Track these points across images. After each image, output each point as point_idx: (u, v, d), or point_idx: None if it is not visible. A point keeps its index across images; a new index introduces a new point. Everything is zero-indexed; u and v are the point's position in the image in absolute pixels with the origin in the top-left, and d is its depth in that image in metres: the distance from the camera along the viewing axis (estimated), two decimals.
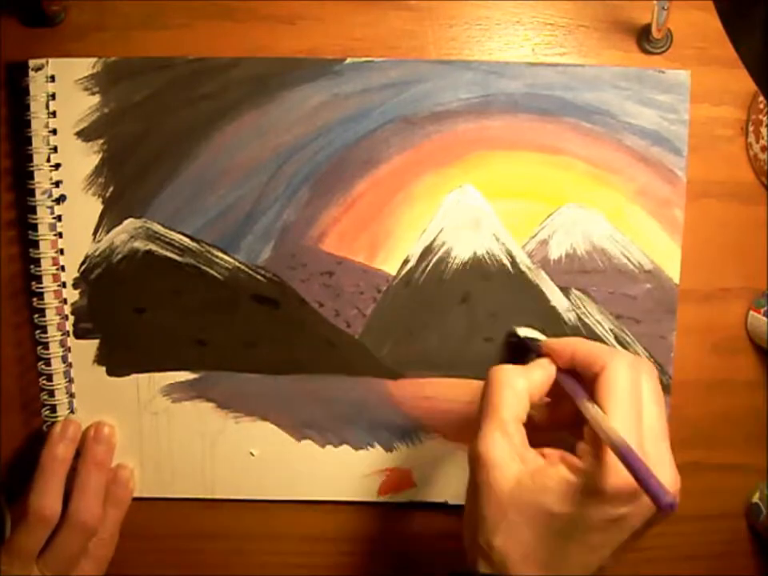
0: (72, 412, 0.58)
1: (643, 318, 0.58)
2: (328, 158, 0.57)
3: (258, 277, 0.58)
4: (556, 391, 0.49)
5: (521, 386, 0.48)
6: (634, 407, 0.44)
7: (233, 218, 0.57)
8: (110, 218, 0.57)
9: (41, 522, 0.54)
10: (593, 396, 0.45)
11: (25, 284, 0.58)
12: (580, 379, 0.48)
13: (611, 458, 0.42)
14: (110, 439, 0.58)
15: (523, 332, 0.57)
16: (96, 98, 0.56)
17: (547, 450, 0.47)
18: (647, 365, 0.47)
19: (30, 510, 0.54)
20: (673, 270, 0.58)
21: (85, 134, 0.57)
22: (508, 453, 0.45)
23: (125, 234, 0.57)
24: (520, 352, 0.57)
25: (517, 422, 0.47)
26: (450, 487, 0.60)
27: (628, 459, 0.40)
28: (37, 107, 0.56)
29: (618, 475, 0.42)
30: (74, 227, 0.57)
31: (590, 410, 0.44)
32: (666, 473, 0.43)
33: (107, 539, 0.57)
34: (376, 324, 0.58)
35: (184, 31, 0.58)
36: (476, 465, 0.46)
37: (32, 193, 0.56)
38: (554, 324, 0.58)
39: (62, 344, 0.58)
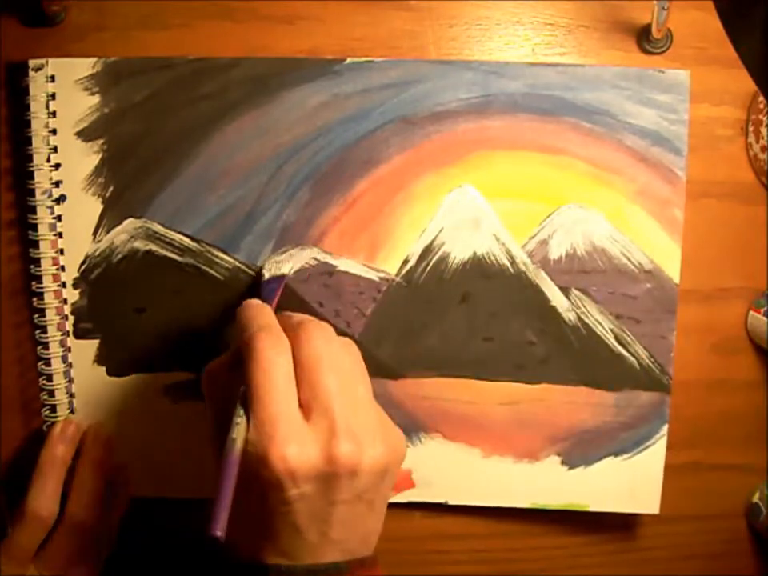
0: (72, 412, 0.58)
1: (643, 318, 0.58)
2: (328, 158, 0.57)
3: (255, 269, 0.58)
4: None
5: (223, 378, 0.46)
6: (288, 394, 0.42)
7: (233, 218, 0.57)
8: (110, 218, 0.57)
9: (38, 522, 0.54)
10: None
11: (25, 284, 0.58)
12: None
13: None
14: (110, 440, 0.58)
15: (269, 271, 0.55)
16: (96, 98, 0.56)
17: None
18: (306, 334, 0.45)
19: (27, 509, 0.54)
20: (673, 269, 0.58)
21: (85, 134, 0.57)
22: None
23: (125, 234, 0.57)
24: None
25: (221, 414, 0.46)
26: (449, 487, 0.60)
27: (222, 473, 0.40)
28: (37, 107, 0.56)
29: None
30: (74, 227, 0.57)
31: (236, 408, 0.43)
32: (377, 441, 0.43)
33: (105, 539, 0.57)
34: (376, 324, 0.58)
35: (184, 31, 0.58)
36: None
37: (32, 193, 0.56)
38: (554, 324, 0.58)
39: (62, 344, 0.58)
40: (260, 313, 0.48)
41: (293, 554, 0.42)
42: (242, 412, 0.42)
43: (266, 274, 0.56)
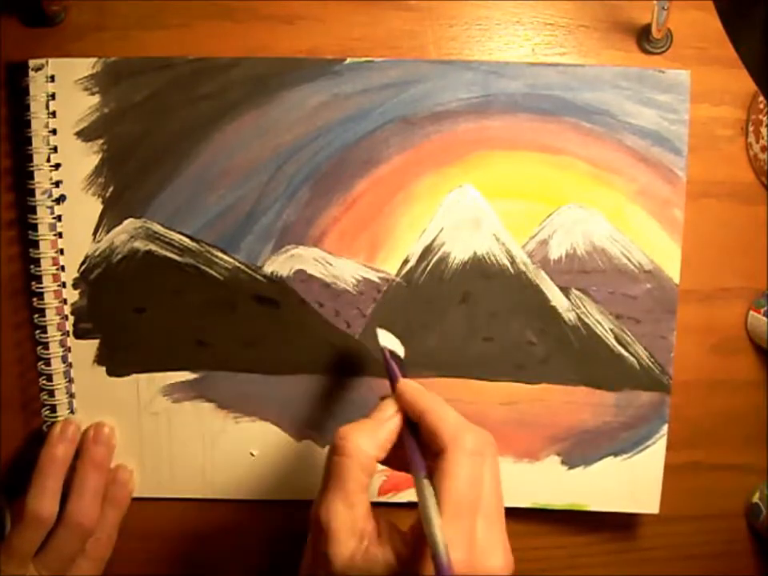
0: (72, 412, 0.58)
1: (643, 318, 0.58)
2: (328, 158, 0.57)
3: (258, 277, 0.58)
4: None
5: (366, 455, 0.45)
6: (470, 498, 0.42)
7: (233, 218, 0.57)
8: (109, 218, 0.57)
9: (37, 522, 0.54)
10: (432, 472, 0.43)
11: (25, 284, 0.58)
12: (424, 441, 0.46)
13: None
14: (110, 440, 0.58)
15: (384, 339, 0.53)
16: (96, 98, 0.56)
17: (383, 523, 0.45)
18: (491, 447, 0.45)
19: (27, 510, 0.54)
20: (673, 269, 0.58)
21: (85, 134, 0.57)
22: (349, 526, 0.43)
23: (125, 234, 0.57)
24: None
25: (362, 492, 0.44)
26: None
27: (439, 569, 0.39)
28: (37, 107, 0.56)
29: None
30: (74, 227, 0.57)
31: (424, 492, 0.42)
32: (496, 558, 0.42)
33: (105, 539, 0.57)
34: (376, 324, 0.58)
35: (184, 31, 0.58)
36: (317, 531, 0.44)
37: (32, 193, 0.56)
38: (554, 324, 0.58)
39: (62, 344, 0.58)
40: (445, 405, 0.47)
41: None
42: (435, 514, 0.41)
43: (385, 343, 0.53)
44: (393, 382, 0.49)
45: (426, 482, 0.43)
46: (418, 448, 0.45)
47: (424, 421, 0.45)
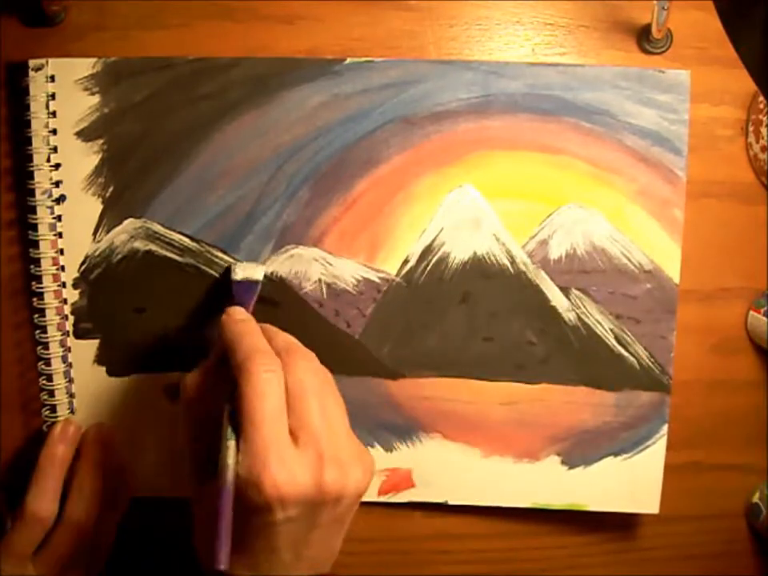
0: (72, 412, 0.58)
1: (643, 318, 0.58)
2: (328, 158, 0.57)
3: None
4: None
5: (198, 390, 0.48)
6: (266, 415, 0.43)
7: (233, 218, 0.57)
8: (109, 218, 0.57)
9: (36, 522, 0.54)
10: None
11: (25, 284, 0.58)
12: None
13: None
14: (110, 440, 0.58)
15: (241, 273, 0.55)
16: (96, 98, 0.56)
17: None
18: (291, 360, 0.46)
19: (26, 510, 0.54)
20: (673, 270, 0.58)
21: (85, 134, 0.57)
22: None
23: (125, 234, 0.57)
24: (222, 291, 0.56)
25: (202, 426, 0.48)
26: (450, 487, 0.60)
27: (221, 502, 0.41)
28: (37, 107, 0.56)
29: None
30: (73, 227, 0.57)
31: (223, 414, 0.45)
32: (358, 467, 0.45)
33: (104, 539, 0.57)
34: (376, 324, 0.58)
35: (184, 31, 0.58)
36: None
37: (32, 193, 0.56)
38: (554, 324, 0.58)
39: (62, 344, 0.58)
40: (250, 330, 0.48)
41: (265, 571, 0.44)
42: (232, 435, 0.43)
43: (239, 274, 0.55)
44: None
45: (225, 408, 0.45)
46: (228, 378, 0.46)
47: (227, 352, 0.47)
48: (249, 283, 0.55)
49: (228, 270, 0.56)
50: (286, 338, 0.50)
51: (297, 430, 0.44)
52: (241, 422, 0.43)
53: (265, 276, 0.57)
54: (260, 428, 0.43)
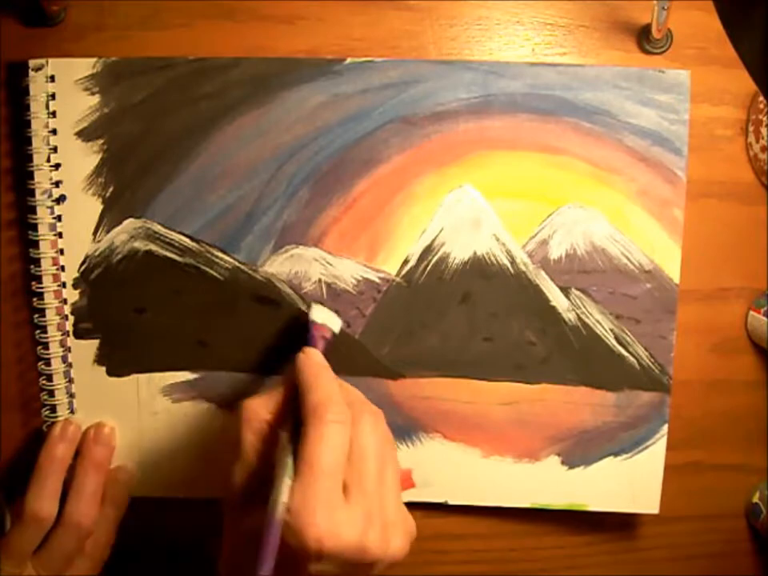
0: (72, 412, 0.58)
1: (643, 318, 0.58)
2: (328, 158, 0.57)
3: (258, 277, 0.58)
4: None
5: (257, 418, 0.48)
6: (329, 465, 0.43)
7: (233, 218, 0.57)
8: (109, 218, 0.57)
9: (36, 522, 0.54)
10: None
11: (25, 284, 0.58)
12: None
13: None
14: (110, 440, 0.58)
15: (317, 314, 0.54)
16: (96, 98, 0.56)
17: None
18: (361, 418, 0.47)
19: (26, 509, 0.54)
20: (673, 270, 0.58)
21: (85, 134, 0.57)
22: (244, 485, 0.47)
23: (125, 234, 0.57)
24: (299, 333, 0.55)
25: (258, 454, 0.47)
26: (449, 487, 0.60)
27: (268, 532, 0.41)
28: (37, 107, 0.56)
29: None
30: (73, 227, 0.57)
31: (281, 451, 0.45)
32: (401, 534, 0.45)
33: (104, 539, 0.57)
34: (376, 324, 0.58)
35: (184, 31, 0.58)
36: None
37: (32, 193, 0.56)
38: (554, 324, 0.58)
39: (62, 344, 0.58)
40: (326, 377, 0.49)
41: None
42: (291, 472, 0.43)
43: (318, 319, 0.54)
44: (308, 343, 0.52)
45: (288, 445, 0.45)
46: (295, 415, 0.46)
47: (300, 390, 0.47)
48: (325, 330, 0.54)
49: (303, 312, 0.57)
50: (358, 394, 0.50)
51: (351, 486, 0.44)
52: (299, 464, 0.43)
53: (264, 276, 0.57)
54: (317, 476, 0.43)
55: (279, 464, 0.44)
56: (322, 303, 0.57)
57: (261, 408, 0.48)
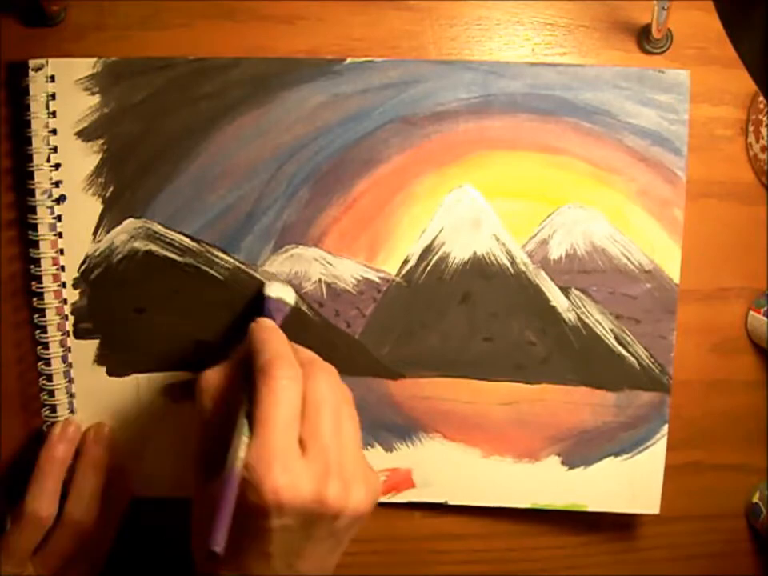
0: (72, 412, 0.58)
1: (643, 318, 0.58)
2: (328, 158, 0.57)
3: (258, 277, 0.58)
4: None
5: (217, 388, 0.49)
6: (281, 420, 0.44)
7: (233, 218, 0.57)
8: (109, 218, 0.57)
9: (36, 522, 0.54)
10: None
11: (25, 284, 0.58)
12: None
13: None
14: (110, 440, 0.58)
15: (273, 291, 0.55)
16: (96, 98, 0.56)
17: None
18: (309, 372, 0.47)
19: (26, 510, 0.54)
20: (673, 270, 0.58)
21: (85, 134, 0.57)
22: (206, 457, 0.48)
23: (125, 234, 0.57)
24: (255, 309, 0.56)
25: (210, 415, 0.48)
26: (449, 487, 0.60)
27: (225, 489, 0.42)
28: (37, 107, 0.56)
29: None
30: (73, 227, 0.57)
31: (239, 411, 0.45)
32: (362, 486, 0.45)
33: (103, 539, 0.57)
34: (376, 324, 0.58)
35: (184, 31, 0.58)
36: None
37: (32, 193, 0.56)
38: (553, 324, 0.58)
39: (62, 344, 0.58)
40: (276, 339, 0.49)
41: None
42: (248, 431, 0.44)
43: (272, 293, 0.55)
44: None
45: (243, 405, 0.45)
46: (249, 379, 0.46)
47: (251, 354, 0.47)
48: (280, 303, 0.55)
49: (259, 290, 0.56)
50: (309, 353, 0.50)
51: (307, 440, 0.44)
52: (253, 422, 0.44)
53: (265, 276, 0.57)
54: (270, 432, 0.43)
55: (236, 425, 0.44)
56: (278, 280, 0.57)
57: (216, 376, 0.49)
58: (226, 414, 0.47)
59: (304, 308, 0.58)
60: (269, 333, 0.49)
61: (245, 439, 0.43)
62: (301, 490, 0.42)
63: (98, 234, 0.57)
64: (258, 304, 0.55)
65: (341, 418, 0.46)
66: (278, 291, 0.55)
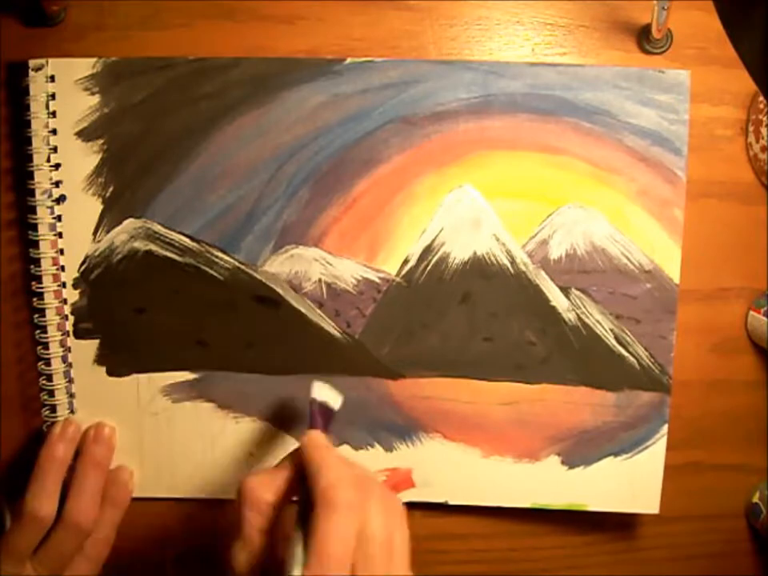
0: (72, 412, 0.58)
1: (643, 318, 0.58)
2: (328, 158, 0.57)
3: (258, 277, 0.58)
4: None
5: (259, 500, 0.47)
6: (338, 555, 0.43)
7: (233, 218, 0.57)
8: (109, 218, 0.57)
9: (35, 522, 0.54)
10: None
11: (25, 284, 0.58)
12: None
13: None
14: (110, 440, 0.58)
15: (318, 392, 0.54)
16: (96, 98, 0.56)
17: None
18: (369, 496, 0.46)
19: (25, 509, 0.54)
20: (673, 270, 0.58)
21: (85, 134, 0.57)
22: (246, 567, 0.46)
23: (125, 234, 0.57)
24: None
25: (258, 533, 0.47)
26: (449, 487, 0.60)
27: None
28: (37, 107, 0.56)
29: None
30: (73, 227, 0.57)
31: (292, 541, 0.44)
32: None
33: (103, 539, 0.57)
34: (376, 324, 0.58)
35: (184, 31, 0.58)
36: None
37: (32, 193, 0.56)
38: (553, 324, 0.58)
39: (62, 344, 0.58)
40: (333, 459, 0.48)
41: None
42: (302, 559, 0.43)
43: (318, 397, 0.54)
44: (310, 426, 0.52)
45: (297, 532, 0.45)
46: (304, 499, 0.46)
47: (307, 473, 0.47)
48: (326, 408, 0.54)
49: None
50: (363, 470, 0.49)
51: (358, 570, 0.43)
52: (310, 554, 0.43)
53: (265, 276, 0.57)
54: (327, 567, 0.42)
55: (289, 552, 0.44)
56: (323, 381, 0.55)
57: (262, 488, 0.48)
58: (271, 529, 0.47)
59: (303, 308, 0.58)
60: (324, 452, 0.49)
61: (297, 571, 0.42)
62: None
63: (98, 234, 0.57)
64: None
65: (392, 540, 0.45)
66: (325, 395, 0.54)
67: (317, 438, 0.50)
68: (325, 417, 0.53)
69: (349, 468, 0.48)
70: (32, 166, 0.56)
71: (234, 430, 0.59)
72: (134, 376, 0.58)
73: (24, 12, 0.57)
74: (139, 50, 0.57)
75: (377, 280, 0.58)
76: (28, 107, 0.56)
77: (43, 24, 0.57)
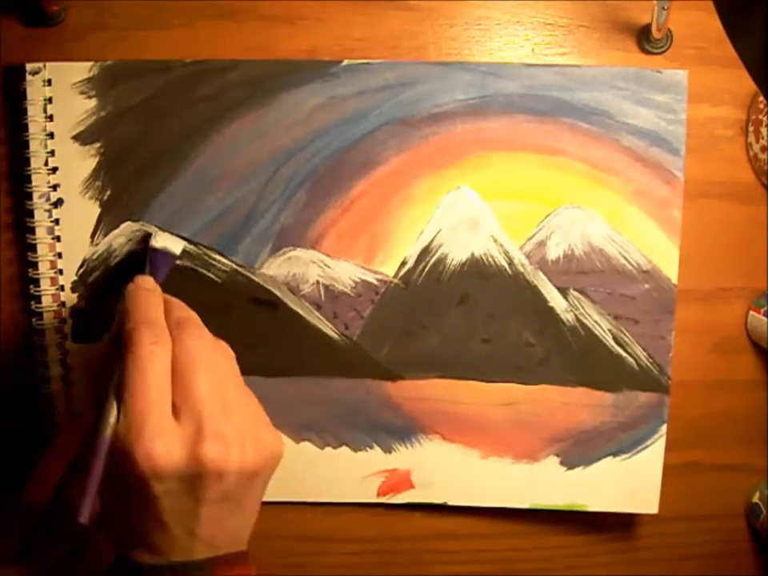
0: (70, 415, 0.58)
1: (642, 319, 0.58)
2: (325, 160, 0.57)
3: (256, 279, 0.58)
4: None
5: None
6: (143, 388, 0.43)
7: (230, 221, 0.57)
8: (107, 221, 0.57)
9: (28, 507, 0.54)
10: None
11: (23, 287, 0.58)
12: None
13: None
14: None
15: (160, 241, 0.54)
16: (93, 102, 0.56)
17: None
18: (171, 335, 0.45)
19: (22, 495, 0.53)
20: (671, 270, 0.58)
21: (82, 138, 0.57)
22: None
23: (122, 238, 0.57)
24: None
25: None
26: (449, 488, 0.60)
27: (92, 459, 0.42)
28: (34, 111, 0.56)
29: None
30: (71, 230, 0.57)
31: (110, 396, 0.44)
32: (245, 444, 0.44)
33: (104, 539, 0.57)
34: (374, 326, 0.58)
35: (184, 31, 0.58)
36: None
37: (30, 196, 0.56)
38: (552, 325, 0.58)
39: (60, 347, 0.58)
40: (148, 302, 0.48)
41: (161, 551, 0.43)
42: (114, 401, 0.43)
43: (158, 243, 0.54)
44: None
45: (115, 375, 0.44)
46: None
47: (120, 320, 0.46)
48: (166, 254, 0.54)
49: (147, 238, 0.55)
50: (181, 313, 0.48)
51: (180, 404, 0.43)
52: (121, 392, 0.43)
53: (262, 278, 0.57)
54: (138, 399, 0.42)
55: (105, 396, 0.44)
56: (166, 232, 0.56)
57: (98, 351, 0.49)
58: (99, 389, 0.46)
59: (301, 310, 0.58)
60: (145, 295, 0.48)
61: (110, 408, 0.43)
62: (174, 453, 0.42)
63: (96, 238, 0.57)
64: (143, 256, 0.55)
65: (221, 377, 0.45)
66: (164, 242, 0.54)
67: (142, 281, 0.50)
68: (165, 264, 0.53)
69: (170, 309, 0.47)
70: (29, 170, 0.56)
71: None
72: None
73: (24, 12, 0.57)
74: (139, 50, 0.57)
75: (375, 282, 0.58)
76: (25, 111, 0.56)
77: (43, 24, 0.57)
